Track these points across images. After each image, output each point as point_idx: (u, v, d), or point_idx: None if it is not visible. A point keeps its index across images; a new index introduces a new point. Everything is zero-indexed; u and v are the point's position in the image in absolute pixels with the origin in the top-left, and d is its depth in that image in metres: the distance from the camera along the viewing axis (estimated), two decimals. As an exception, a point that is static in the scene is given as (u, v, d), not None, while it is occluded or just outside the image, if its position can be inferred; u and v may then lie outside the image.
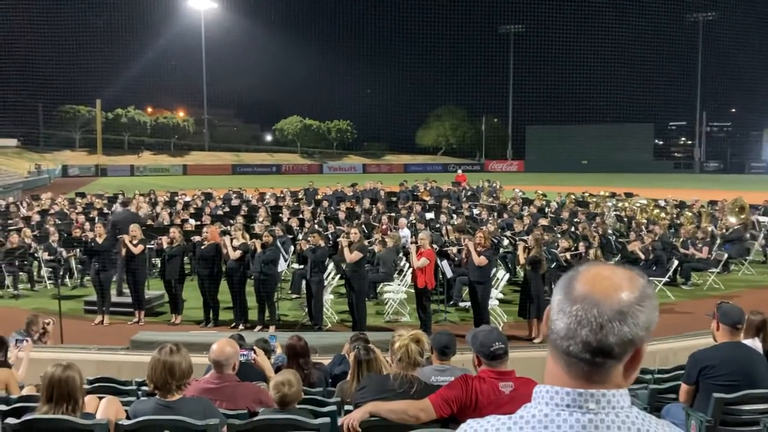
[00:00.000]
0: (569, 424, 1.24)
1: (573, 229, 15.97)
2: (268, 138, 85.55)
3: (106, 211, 20.07)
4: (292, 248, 13.70)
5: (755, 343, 4.87)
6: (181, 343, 4.37)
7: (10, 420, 4.09)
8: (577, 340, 1.24)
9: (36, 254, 14.56)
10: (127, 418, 4.15)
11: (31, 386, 5.67)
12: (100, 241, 11.77)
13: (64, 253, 14.45)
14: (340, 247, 10.97)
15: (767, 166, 62.94)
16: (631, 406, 1.28)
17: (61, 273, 14.31)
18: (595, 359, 1.24)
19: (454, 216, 17.86)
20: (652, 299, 1.27)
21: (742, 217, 17.26)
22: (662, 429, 1.30)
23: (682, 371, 4.88)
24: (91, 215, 18.02)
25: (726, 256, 14.97)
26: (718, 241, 15.87)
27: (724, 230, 16.72)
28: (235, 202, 21.88)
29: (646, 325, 1.25)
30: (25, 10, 61.16)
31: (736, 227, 16.44)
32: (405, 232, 14.88)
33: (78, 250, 14.12)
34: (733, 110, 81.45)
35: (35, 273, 14.67)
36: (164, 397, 3.97)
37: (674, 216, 19.53)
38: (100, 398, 4.52)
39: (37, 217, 18.28)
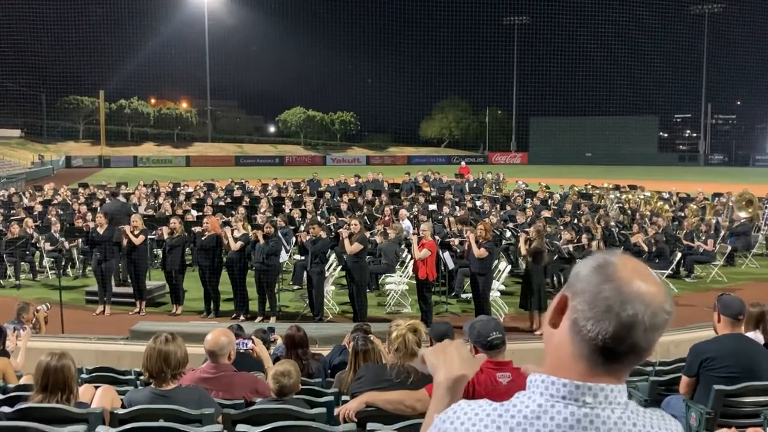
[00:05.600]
0: (563, 417, 1.18)
1: (576, 221, 15.92)
2: (272, 129, 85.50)
3: (108, 201, 20.10)
4: (293, 239, 13.68)
5: (757, 336, 4.82)
6: (181, 334, 4.35)
7: (5, 409, 4.07)
8: (631, 340, 1.18)
9: (38, 244, 14.58)
10: (123, 407, 4.13)
11: (29, 375, 5.65)
12: (101, 231, 11.77)
13: (66, 244, 14.46)
14: (340, 238, 10.94)
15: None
16: (627, 402, 1.23)
17: (63, 263, 14.34)
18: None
19: (457, 207, 17.83)
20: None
21: (750, 210, 17.19)
22: (657, 422, 1.25)
23: (683, 363, 4.84)
24: (94, 206, 18.00)
25: (730, 248, 14.90)
26: (722, 233, 15.79)
27: (727, 222, 16.64)
28: (237, 193, 21.84)
29: None
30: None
31: (742, 220, 16.36)
32: (406, 224, 14.83)
33: (80, 240, 14.15)
34: (739, 103, 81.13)
35: (37, 263, 14.70)
36: (159, 386, 3.95)
37: (678, 208, 19.45)
38: (97, 387, 4.50)
39: (39, 207, 18.29)
